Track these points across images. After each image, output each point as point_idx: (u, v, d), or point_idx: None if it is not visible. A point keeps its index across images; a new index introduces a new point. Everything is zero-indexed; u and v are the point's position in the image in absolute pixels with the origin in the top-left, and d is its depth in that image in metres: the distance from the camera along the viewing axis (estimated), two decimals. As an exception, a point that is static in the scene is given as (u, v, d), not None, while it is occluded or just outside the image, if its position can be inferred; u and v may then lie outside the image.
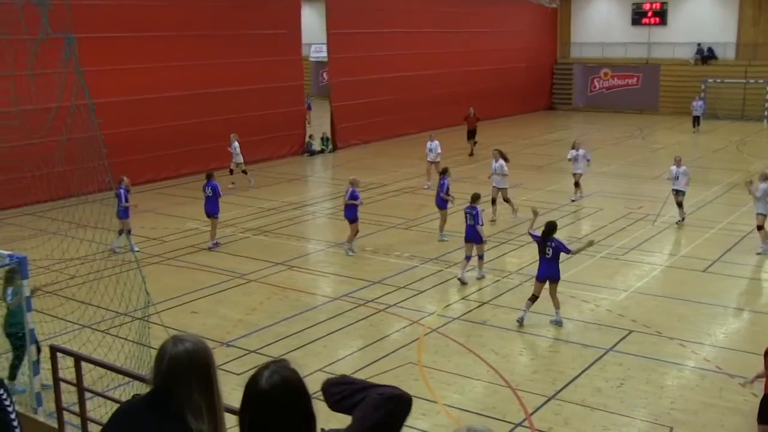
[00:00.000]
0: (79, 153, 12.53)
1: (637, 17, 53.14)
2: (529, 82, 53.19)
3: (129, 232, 20.20)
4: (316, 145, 37.65)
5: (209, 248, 20.81)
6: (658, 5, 52.41)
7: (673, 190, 22.91)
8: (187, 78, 31.00)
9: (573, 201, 26.04)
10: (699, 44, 50.59)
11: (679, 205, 22.75)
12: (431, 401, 12.25)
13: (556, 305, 15.34)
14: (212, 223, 21.13)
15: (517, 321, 15.32)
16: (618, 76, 53.60)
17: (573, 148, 26.54)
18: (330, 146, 38.11)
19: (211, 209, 21.02)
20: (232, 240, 21.85)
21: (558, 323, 15.28)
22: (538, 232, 15.36)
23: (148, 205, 25.25)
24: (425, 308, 16.43)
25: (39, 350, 11.34)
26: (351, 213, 20.15)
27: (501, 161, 23.34)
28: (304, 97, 38.14)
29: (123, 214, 20.09)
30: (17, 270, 12.39)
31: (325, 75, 49.73)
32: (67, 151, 13.56)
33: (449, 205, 21.41)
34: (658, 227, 22.64)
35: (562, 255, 15.29)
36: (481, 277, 18.15)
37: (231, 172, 29.16)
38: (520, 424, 11.51)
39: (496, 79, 49.09)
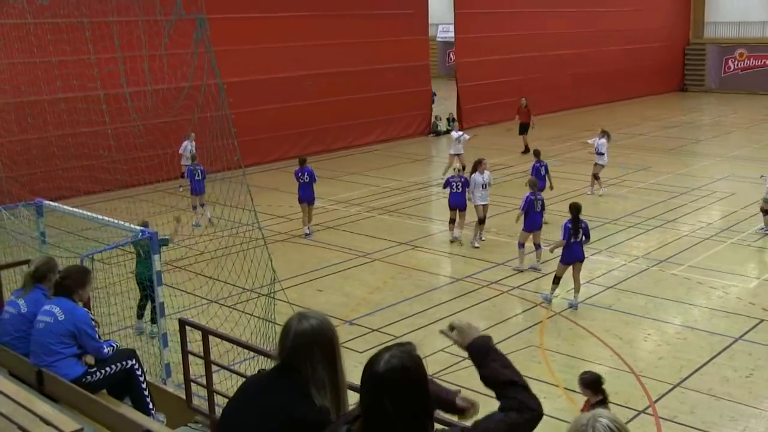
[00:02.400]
0: (209, 132, 12.82)
1: (779, -6, 50.89)
2: (661, 63, 51.71)
3: (203, 205, 21.11)
4: (442, 126, 37.59)
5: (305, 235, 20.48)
6: (802, -19, 50.15)
7: None
8: (314, 58, 31.33)
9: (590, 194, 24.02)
10: None
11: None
12: (553, 385, 12.16)
13: (578, 289, 15.33)
14: (308, 209, 20.67)
15: (546, 300, 15.55)
16: (755, 56, 51.58)
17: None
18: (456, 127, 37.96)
19: (307, 194, 20.44)
20: (357, 219, 22.05)
21: (574, 306, 15.22)
22: (567, 222, 15.14)
23: (274, 184, 25.67)
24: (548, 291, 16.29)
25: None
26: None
27: (487, 172, 19.73)
28: (430, 77, 38.07)
29: (201, 189, 21.00)
30: (146, 223, 13.49)
31: (452, 55, 49.52)
32: (197, 130, 13.89)
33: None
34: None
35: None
36: (538, 269, 17.53)
37: (183, 175, 24.32)
38: (643, 411, 11.31)
39: (627, 59, 47.96)
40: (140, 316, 14.39)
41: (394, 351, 3.56)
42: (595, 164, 24.32)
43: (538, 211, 17.60)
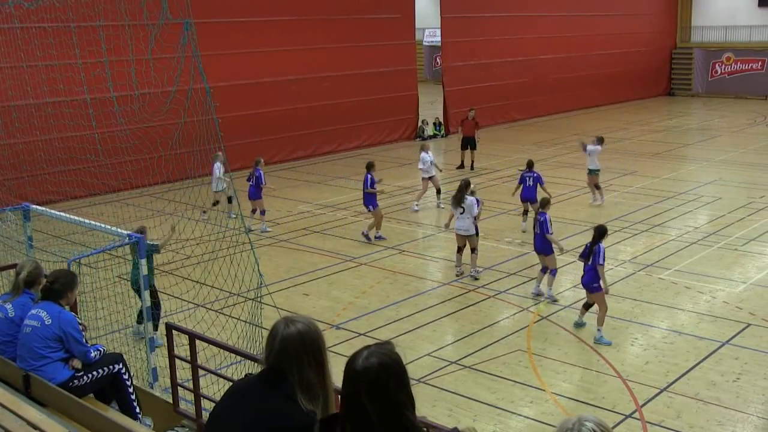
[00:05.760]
0: (195, 136, 12.82)
1: (766, -2, 50.95)
2: (648, 67, 51.93)
3: (263, 212, 21.32)
4: (429, 130, 37.62)
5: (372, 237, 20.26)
6: (790, -16, 50.10)
7: None
8: (301, 62, 31.34)
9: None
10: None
11: None
12: (539, 389, 12.18)
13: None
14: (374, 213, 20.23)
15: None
16: (741, 60, 51.72)
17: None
18: (442, 131, 38.05)
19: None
20: (344, 223, 22.04)
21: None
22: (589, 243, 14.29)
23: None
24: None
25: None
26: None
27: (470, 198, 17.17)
28: (416, 81, 38.09)
29: (256, 194, 21.20)
30: (142, 229, 13.28)
31: (438, 60, 49.63)
32: (184, 134, 13.88)
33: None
34: (780, 218, 21.90)
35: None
36: (554, 300, 15.91)
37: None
38: (630, 416, 11.34)
39: (614, 63, 48.18)
40: (140, 321, 13.93)
41: (372, 349, 3.62)
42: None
43: (536, 233, 16.08)
